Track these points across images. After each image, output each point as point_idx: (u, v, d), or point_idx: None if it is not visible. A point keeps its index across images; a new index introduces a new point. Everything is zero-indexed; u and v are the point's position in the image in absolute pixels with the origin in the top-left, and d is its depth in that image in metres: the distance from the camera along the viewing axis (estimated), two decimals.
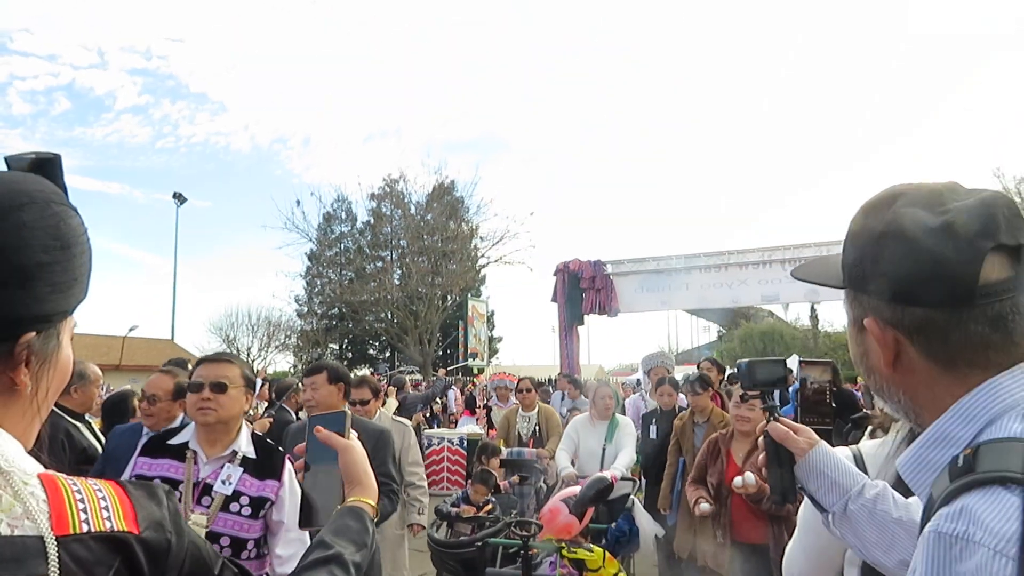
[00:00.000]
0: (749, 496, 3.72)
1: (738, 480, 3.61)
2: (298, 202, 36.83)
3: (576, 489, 3.98)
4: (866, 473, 1.69)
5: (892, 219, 0.92)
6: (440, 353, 38.16)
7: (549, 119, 76.15)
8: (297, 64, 71.02)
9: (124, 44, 66.46)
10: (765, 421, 1.50)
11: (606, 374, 36.00)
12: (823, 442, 1.43)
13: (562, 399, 10.27)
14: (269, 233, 48.16)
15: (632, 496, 4.90)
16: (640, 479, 6.21)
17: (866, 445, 1.80)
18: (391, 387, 9.13)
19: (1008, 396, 0.85)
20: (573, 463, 5.73)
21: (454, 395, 17.64)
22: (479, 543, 4.61)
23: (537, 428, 6.76)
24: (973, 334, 0.87)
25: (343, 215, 40.23)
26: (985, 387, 0.86)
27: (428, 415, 13.83)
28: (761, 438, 1.49)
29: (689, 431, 5.42)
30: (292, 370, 40.51)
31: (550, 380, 21.97)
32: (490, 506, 5.41)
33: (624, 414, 6.89)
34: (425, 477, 4.85)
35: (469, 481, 5.82)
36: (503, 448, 6.50)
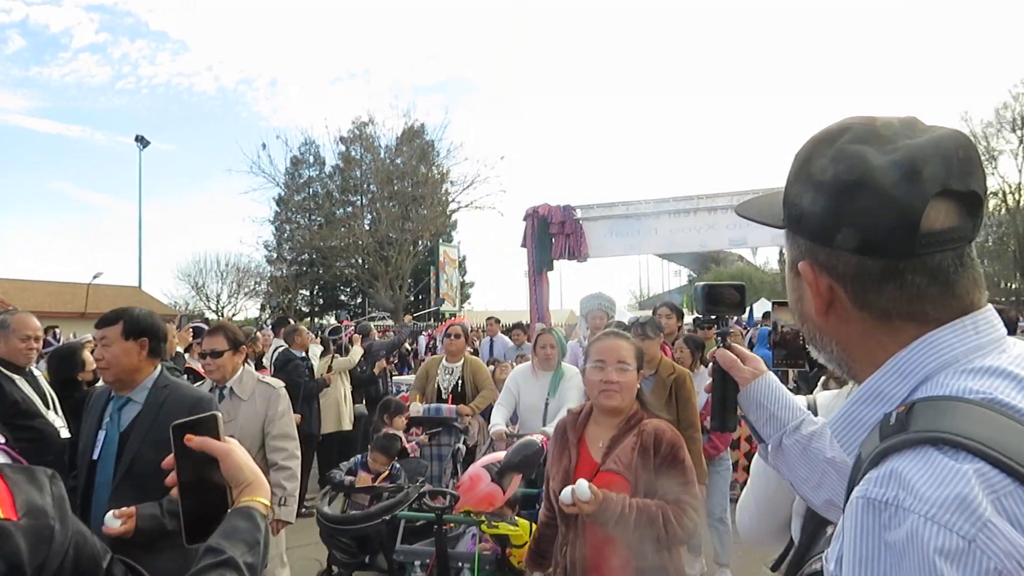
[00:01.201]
0: (591, 517, 2.43)
1: (565, 493, 2.43)
2: (264, 145, 35.97)
3: (502, 455, 3.52)
4: None
5: (834, 155, 0.84)
6: (412, 299, 38.10)
7: (518, 60, 74.96)
8: (262, 2, 68.78)
9: None
10: (716, 347, 1.47)
11: (577, 319, 36.27)
12: (769, 373, 1.40)
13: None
14: (236, 177, 47.17)
15: None
16: None
17: (822, 395, 1.79)
18: (356, 334, 9.04)
19: (947, 351, 0.80)
20: (515, 420, 5.20)
21: (424, 341, 17.64)
22: (382, 517, 4.00)
23: (460, 381, 5.94)
24: (910, 285, 0.81)
25: (311, 159, 39.46)
26: (921, 342, 0.81)
27: (397, 362, 13.83)
28: (711, 364, 1.47)
29: None
30: (260, 315, 40.28)
31: (521, 325, 22.11)
32: (388, 472, 4.74)
33: None
34: (297, 454, 3.86)
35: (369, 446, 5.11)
36: (419, 404, 5.79)
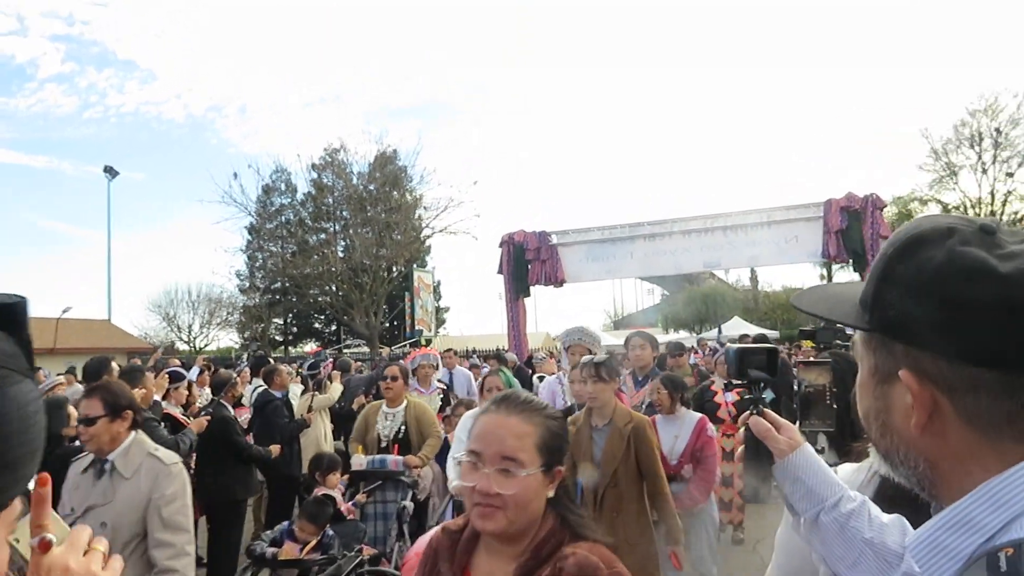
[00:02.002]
0: None
1: None
2: (235, 175, 35.67)
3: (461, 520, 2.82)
4: None
5: (949, 259, 0.78)
6: (387, 325, 37.87)
7: (493, 86, 75.43)
8: (230, 28, 68.66)
9: (45, 9, 63.59)
10: (748, 413, 1.40)
11: (553, 341, 36.26)
12: (806, 444, 1.33)
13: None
14: (207, 206, 46.74)
15: None
16: None
17: (843, 468, 1.73)
18: (336, 371, 8.94)
19: None
20: None
21: None
22: None
23: (403, 428, 5.34)
24: None
25: (283, 186, 39.26)
26: (1021, 468, 0.75)
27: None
28: (742, 430, 1.40)
29: (585, 439, 3.95)
30: (237, 348, 39.77)
31: (499, 350, 22.04)
32: (318, 541, 4.24)
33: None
34: (190, 551, 3.01)
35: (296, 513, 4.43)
36: (361, 456, 5.20)
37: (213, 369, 10.05)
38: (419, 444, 5.35)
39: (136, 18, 63.36)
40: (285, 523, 4.47)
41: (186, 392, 6.31)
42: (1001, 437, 0.76)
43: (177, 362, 9.84)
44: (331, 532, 4.32)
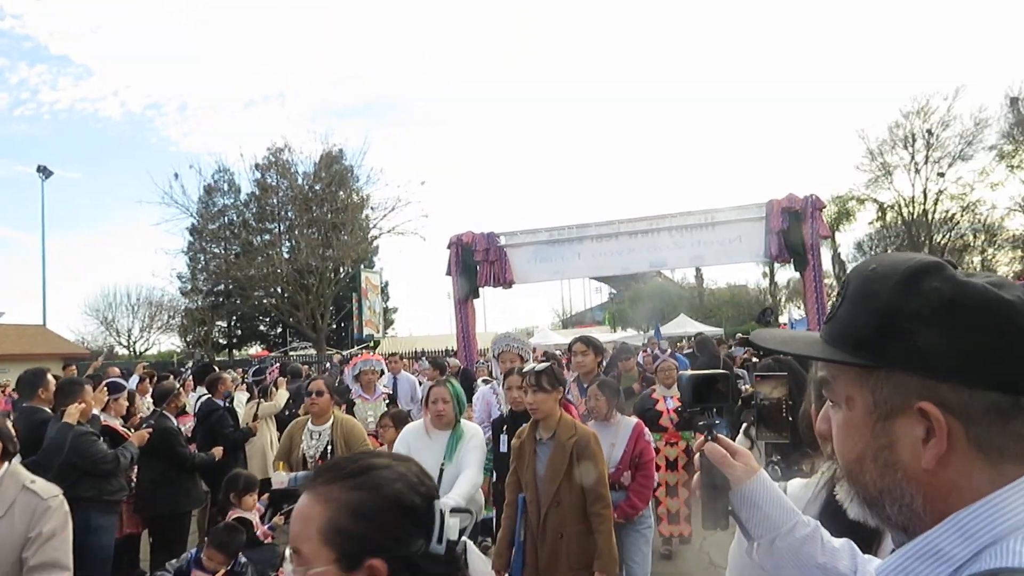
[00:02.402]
0: None
1: None
2: (176, 175, 34.82)
3: None
4: None
5: (958, 289, 0.81)
6: (334, 327, 37.40)
7: (439, 84, 75.08)
8: (168, 23, 66.88)
9: None
10: (703, 440, 1.39)
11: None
12: (762, 471, 1.34)
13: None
14: (147, 208, 45.45)
15: (465, 537, 2.52)
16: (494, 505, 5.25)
17: (792, 484, 1.75)
18: (281, 376, 8.79)
19: (1015, 514, 0.76)
20: None
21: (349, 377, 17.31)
22: None
23: (331, 446, 5.03)
24: None
25: (225, 187, 38.45)
26: (989, 501, 0.77)
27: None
28: (697, 457, 1.39)
29: (528, 453, 3.84)
30: (179, 352, 38.84)
31: (447, 352, 21.93)
32: (229, 570, 3.98)
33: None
34: None
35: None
36: (283, 473, 4.78)
37: (156, 377, 9.78)
38: None
39: (71, 12, 61.38)
40: (192, 550, 4.18)
41: (126, 403, 6.13)
42: (1004, 459, 0.79)
43: (117, 371, 9.54)
44: (243, 559, 4.08)
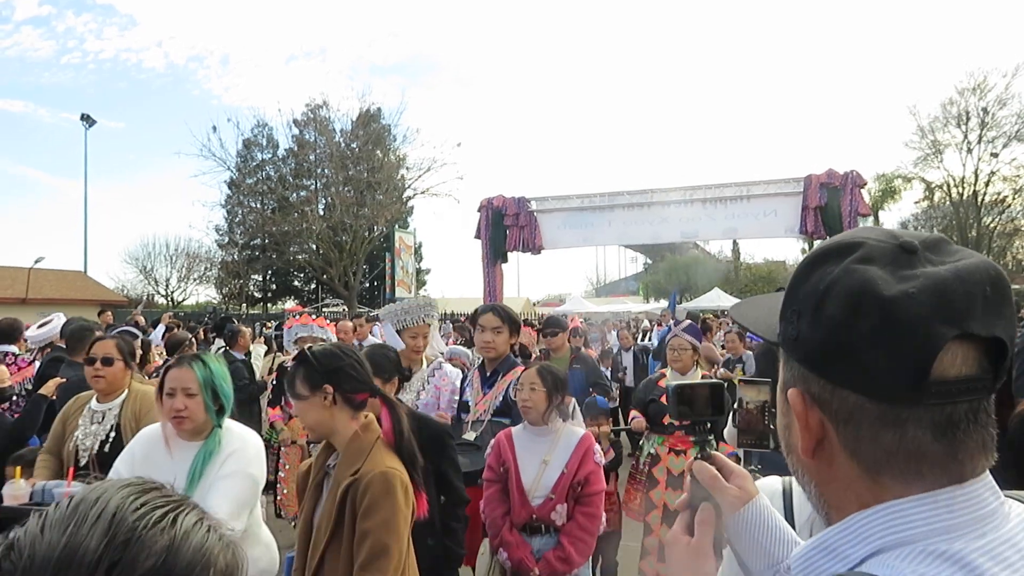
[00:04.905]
0: None
1: None
2: (215, 128, 34.99)
3: None
4: (793, 511, 1.53)
5: (840, 275, 0.73)
6: (367, 285, 37.70)
7: (479, 45, 74.36)
8: None
9: None
10: (693, 458, 1.25)
11: (533, 307, 36.30)
12: (760, 496, 1.20)
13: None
14: (186, 159, 46.02)
15: None
16: None
17: (767, 482, 1.58)
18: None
19: (907, 527, 0.71)
20: None
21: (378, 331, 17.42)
22: None
23: (114, 432, 3.40)
24: (911, 439, 0.71)
25: (263, 142, 38.69)
26: (886, 508, 0.72)
27: None
28: (688, 479, 1.25)
29: (312, 486, 2.53)
30: (216, 303, 39.52)
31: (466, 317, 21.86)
32: None
33: None
34: None
35: None
36: (23, 484, 3.06)
37: (186, 327, 9.89)
38: None
39: None
40: None
41: (140, 352, 6.18)
42: (880, 473, 0.73)
43: (141, 319, 9.67)
44: None
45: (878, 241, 0.75)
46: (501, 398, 3.89)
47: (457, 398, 4.16)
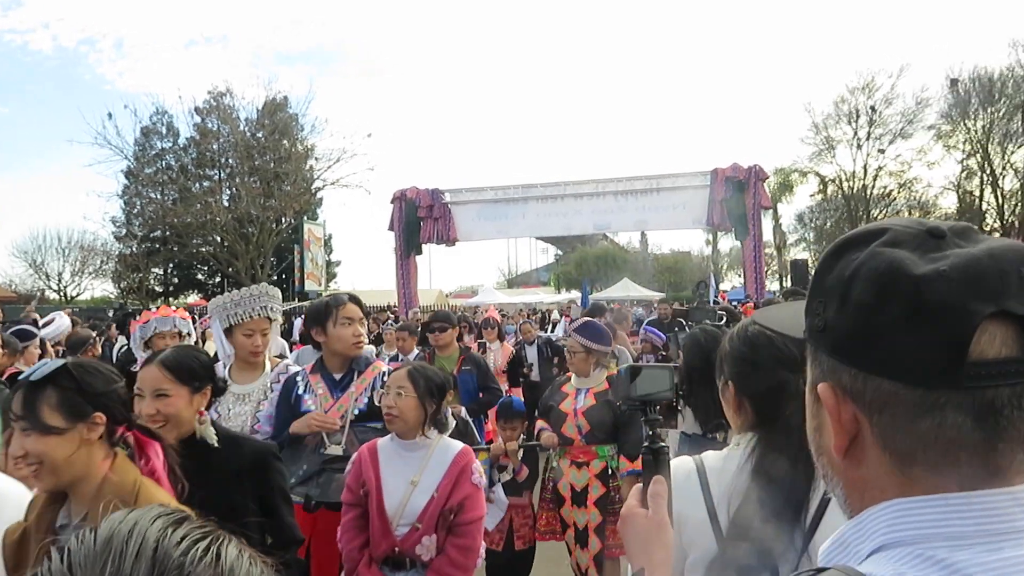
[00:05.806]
0: None
1: None
2: (110, 115, 33.25)
3: None
4: (709, 488, 1.58)
5: (866, 259, 0.70)
6: (275, 278, 36.74)
7: (387, 32, 73.38)
8: None
9: None
10: (639, 483, 1.17)
11: (446, 298, 36.22)
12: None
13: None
14: (79, 148, 43.63)
15: None
16: None
17: (709, 457, 1.64)
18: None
19: (910, 527, 0.68)
20: None
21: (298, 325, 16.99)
22: None
23: None
24: (950, 425, 0.66)
25: (163, 130, 37.06)
26: (894, 505, 0.70)
27: None
28: (630, 499, 1.18)
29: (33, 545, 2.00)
30: (113, 298, 37.70)
31: (390, 306, 21.71)
32: None
33: None
34: None
35: None
36: None
37: (87, 324, 9.39)
38: None
39: None
40: None
41: (38, 351, 5.85)
42: (912, 464, 0.70)
43: (36, 317, 9.14)
44: None
45: (905, 227, 0.73)
46: (366, 400, 3.36)
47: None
